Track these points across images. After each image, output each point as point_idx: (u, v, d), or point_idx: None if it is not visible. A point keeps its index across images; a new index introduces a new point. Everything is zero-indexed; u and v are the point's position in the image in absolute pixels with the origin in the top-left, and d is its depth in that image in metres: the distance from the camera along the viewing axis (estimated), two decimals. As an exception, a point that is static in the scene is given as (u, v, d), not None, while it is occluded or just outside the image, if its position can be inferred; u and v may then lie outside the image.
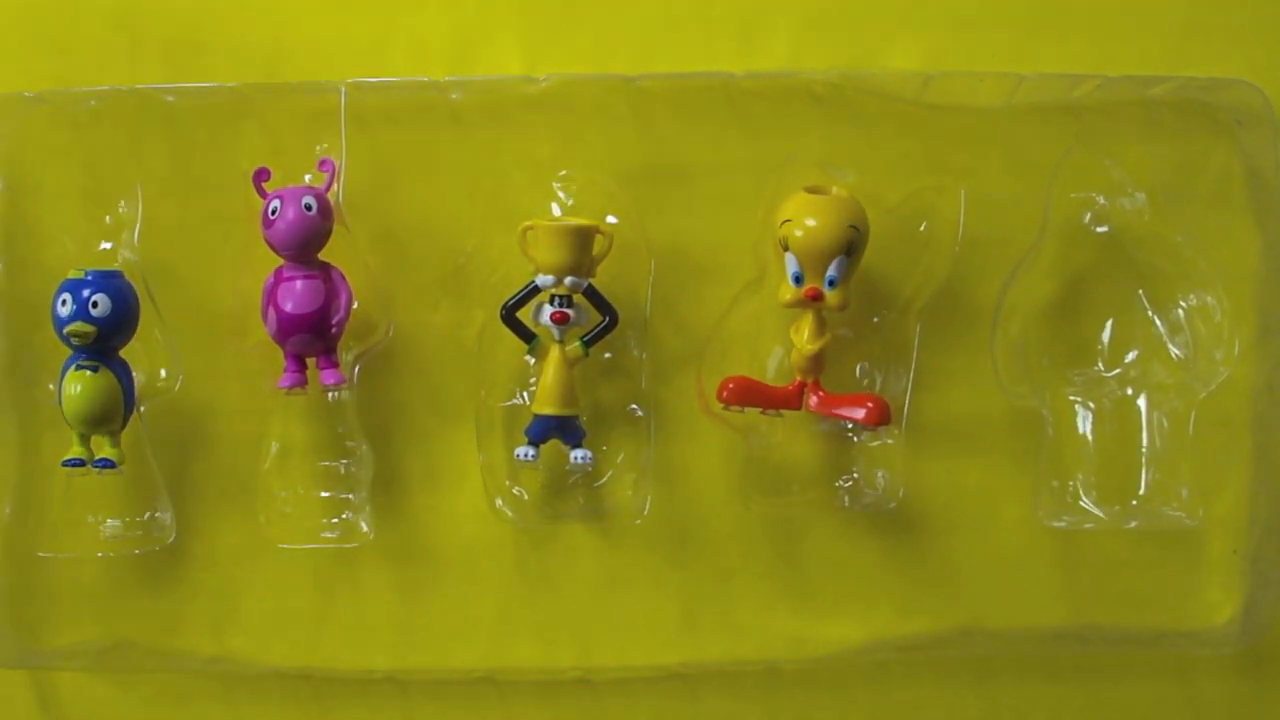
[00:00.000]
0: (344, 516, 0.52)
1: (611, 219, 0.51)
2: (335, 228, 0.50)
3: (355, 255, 0.51)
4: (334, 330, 0.50)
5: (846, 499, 0.53)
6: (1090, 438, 0.53)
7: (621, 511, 0.53)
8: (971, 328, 0.53)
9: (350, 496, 0.52)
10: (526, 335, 0.50)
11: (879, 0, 0.53)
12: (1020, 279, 0.52)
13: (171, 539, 0.53)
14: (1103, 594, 0.54)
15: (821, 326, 0.50)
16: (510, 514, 0.52)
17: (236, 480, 0.53)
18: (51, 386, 0.50)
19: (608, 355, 0.52)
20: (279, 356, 0.50)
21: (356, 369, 0.52)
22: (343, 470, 0.52)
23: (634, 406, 0.52)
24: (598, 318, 0.51)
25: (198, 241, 0.52)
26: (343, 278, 0.50)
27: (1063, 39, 0.53)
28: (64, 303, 0.47)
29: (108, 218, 0.52)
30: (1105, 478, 0.52)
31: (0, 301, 0.52)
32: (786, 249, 0.49)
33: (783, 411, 0.51)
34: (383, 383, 0.53)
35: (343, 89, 0.51)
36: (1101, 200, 0.52)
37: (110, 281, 0.48)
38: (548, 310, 0.50)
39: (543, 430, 0.50)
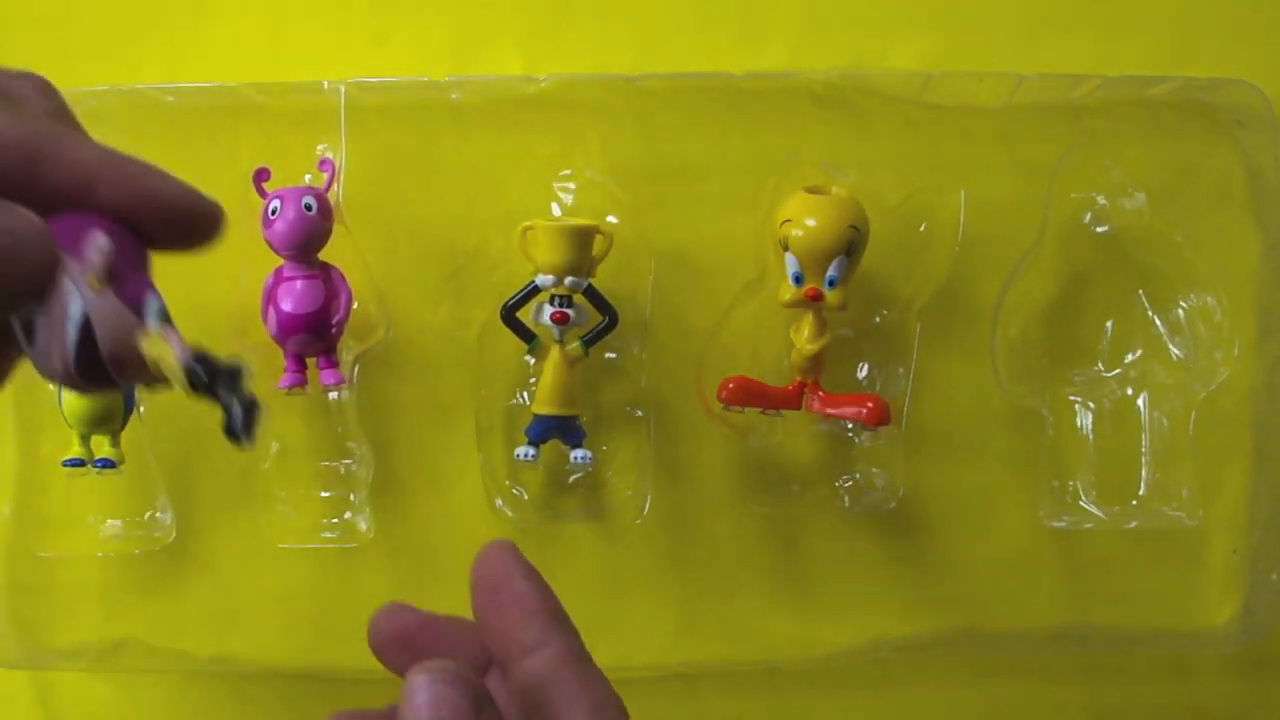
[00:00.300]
0: (344, 516, 0.52)
1: (611, 219, 0.51)
2: (335, 228, 0.50)
3: (355, 255, 0.51)
4: (334, 330, 0.50)
5: (846, 499, 0.53)
6: (1090, 438, 0.53)
7: (621, 511, 0.53)
8: (971, 328, 0.53)
9: (350, 496, 0.52)
10: (526, 335, 0.50)
11: (879, 0, 0.53)
12: (1020, 279, 0.52)
13: (171, 539, 0.53)
14: (1103, 594, 0.54)
15: (821, 326, 0.50)
16: (510, 514, 0.52)
17: (236, 480, 0.53)
18: (52, 387, 0.50)
19: (611, 355, 0.52)
20: (279, 356, 0.50)
21: (356, 369, 0.52)
22: (343, 470, 0.52)
23: (634, 407, 0.52)
24: (598, 318, 0.51)
25: (198, 241, 0.52)
26: (343, 278, 0.50)
27: (1063, 39, 0.53)
28: (64, 303, 0.47)
29: (108, 218, 0.52)
30: (1105, 478, 0.52)
31: (0, 301, 0.52)
32: (786, 249, 0.49)
33: (783, 411, 0.51)
34: (383, 383, 0.53)
35: (343, 89, 0.51)
36: (1101, 200, 0.52)
37: (110, 281, 0.48)
38: (548, 310, 0.50)
39: (543, 430, 0.50)
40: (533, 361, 0.51)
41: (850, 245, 0.48)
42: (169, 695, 0.55)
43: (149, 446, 0.52)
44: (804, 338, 0.50)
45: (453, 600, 0.56)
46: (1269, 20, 0.54)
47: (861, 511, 0.53)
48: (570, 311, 0.49)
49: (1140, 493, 0.52)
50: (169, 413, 0.52)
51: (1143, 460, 0.53)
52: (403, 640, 0.34)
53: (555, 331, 0.50)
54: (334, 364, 0.50)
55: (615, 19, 0.53)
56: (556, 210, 0.52)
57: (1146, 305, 0.53)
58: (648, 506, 0.52)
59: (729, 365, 0.52)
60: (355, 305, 0.51)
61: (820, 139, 0.52)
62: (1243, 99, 0.52)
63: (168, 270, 0.52)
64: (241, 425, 0.27)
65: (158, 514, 0.52)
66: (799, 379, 0.51)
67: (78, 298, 0.27)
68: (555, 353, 0.50)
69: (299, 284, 0.49)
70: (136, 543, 0.52)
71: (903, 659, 0.54)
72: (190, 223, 0.32)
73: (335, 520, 0.52)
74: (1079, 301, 0.53)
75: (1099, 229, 0.52)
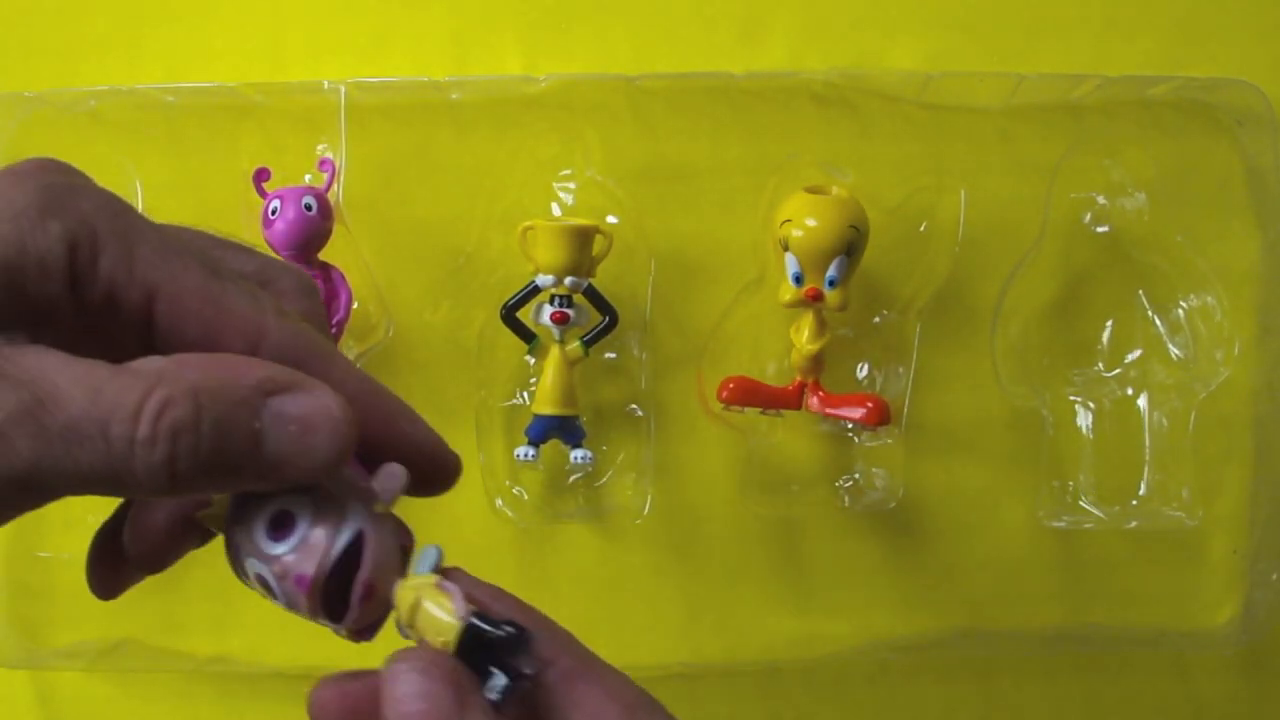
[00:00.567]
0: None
1: (611, 219, 0.51)
2: (335, 228, 0.50)
3: (355, 255, 0.51)
4: (334, 330, 0.50)
5: (846, 499, 0.53)
6: (1090, 438, 0.53)
7: (621, 511, 0.53)
8: (971, 328, 0.53)
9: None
10: (526, 335, 0.50)
11: (879, 0, 0.53)
12: (1020, 279, 0.52)
13: (171, 539, 0.52)
14: (1103, 594, 0.54)
15: (821, 326, 0.50)
16: (510, 514, 0.52)
17: (236, 480, 0.53)
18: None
19: (611, 355, 0.52)
20: (279, 356, 0.50)
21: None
22: (343, 470, 0.52)
23: (634, 406, 0.52)
24: (598, 318, 0.51)
25: (198, 241, 0.52)
26: (343, 278, 0.50)
27: (1063, 39, 0.53)
28: (64, 303, 0.47)
29: (108, 218, 0.52)
30: (1105, 478, 0.52)
31: (0, 301, 0.52)
32: (786, 249, 0.49)
33: (783, 411, 0.51)
34: (383, 383, 0.53)
35: (343, 89, 0.51)
36: (1101, 200, 0.52)
37: (110, 281, 0.48)
38: (548, 310, 0.50)
39: (543, 430, 0.50)
40: (533, 361, 0.51)
41: (850, 245, 0.48)
42: (169, 695, 0.55)
43: (149, 446, 0.52)
44: (804, 338, 0.50)
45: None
46: (1269, 20, 0.54)
47: (861, 511, 0.53)
48: (570, 311, 0.49)
49: (1140, 493, 0.52)
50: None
51: (1143, 460, 0.53)
52: (358, 715, 0.28)
53: (555, 331, 0.50)
54: (334, 364, 0.50)
55: (615, 19, 0.53)
56: (556, 210, 0.52)
57: (1146, 305, 0.53)
58: (648, 506, 0.52)
59: (729, 365, 0.52)
60: (355, 305, 0.51)
61: (820, 139, 0.52)
62: (1243, 99, 0.52)
63: (168, 270, 0.52)
64: (500, 693, 0.25)
65: (158, 514, 0.52)
66: (799, 379, 0.51)
67: (356, 517, 0.25)
68: (555, 353, 0.50)
69: (299, 284, 0.49)
70: (136, 543, 0.52)
71: (903, 659, 0.54)
72: (434, 474, 0.29)
73: (335, 520, 0.52)
74: (1079, 301, 0.53)
75: (1099, 229, 0.52)
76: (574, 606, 0.53)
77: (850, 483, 0.53)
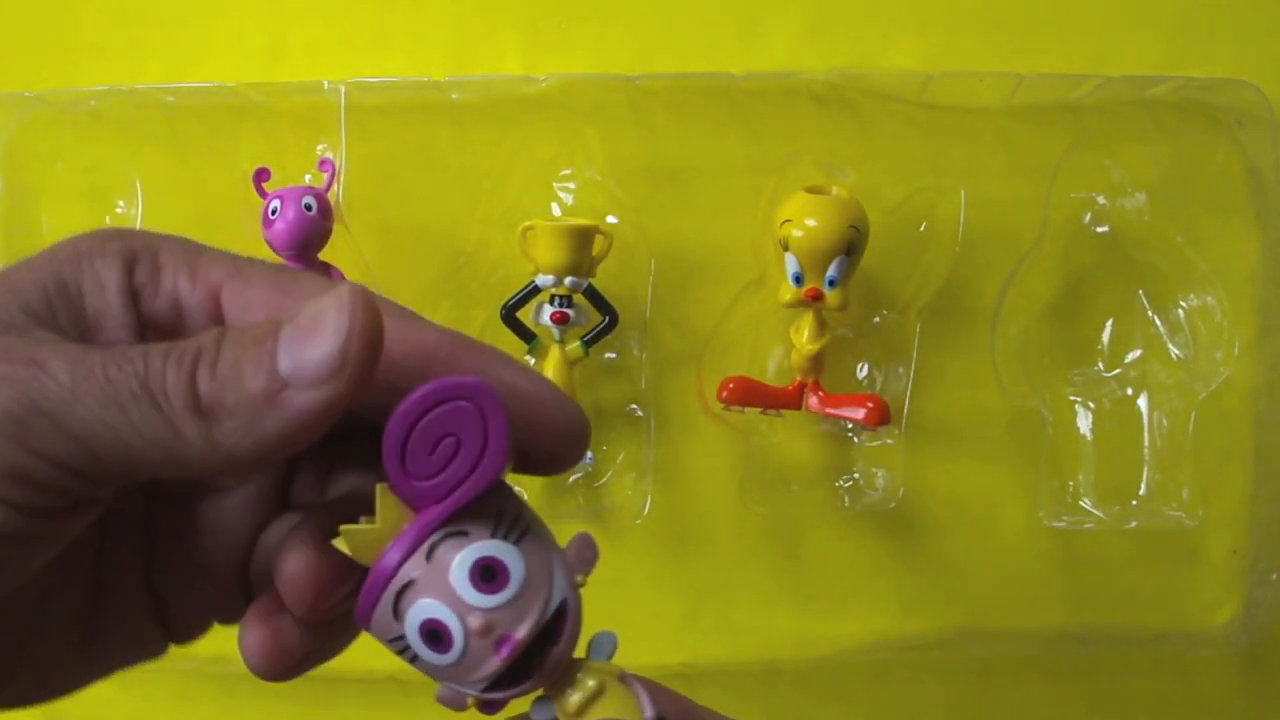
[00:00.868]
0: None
1: (611, 219, 0.51)
2: (335, 228, 0.50)
3: (355, 255, 0.51)
4: (334, 330, 0.50)
5: (846, 499, 0.53)
6: (1090, 438, 0.53)
7: (621, 511, 0.53)
8: (971, 328, 0.53)
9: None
10: (526, 335, 0.50)
11: (879, 0, 0.53)
12: (1020, 279, 0.52)
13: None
14: (1103, 594, 0.54)
15: (821, 326, 0.50)
16: (510, 514, 0.52)
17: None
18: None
19: (611, 355, 0.52)
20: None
21: (356, 369, 0.52)
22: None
23: (634, 406, 0.52)
24: (598, 318, 0.51)
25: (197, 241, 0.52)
26: (343, 278, 0.50)
27: (1063, 39, 0.53)
28: (64, 303, 0.47)
29: (108, 218, 0.52)
30: (1105, 478, 0.52)
31: (0, 301, 0.52)
32: (786, 249, 0.49)
33: (783, 411, 0.51)
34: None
35: (343, 89, 0.51)
36: (1101, 200, 0.52)
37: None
38: (548, 310, 0.50)
39: (543, 430, 0.50)
40: (533, 362, 0.51)
41: (850, 245, 0.48)
42: (169, 695, 0.55)
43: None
44: (804, 338, 0.50)
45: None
46: (1269, 20, 0.54)
47: (861, 511, 0.53)
48: (570, 311, 0.49)
49: (1140, 493, 0.52)
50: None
51: (1143, 460, 0.53)
52: None
53: (555, 331, 0.50)
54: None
55: (615, 19, 0.53)
56: (556, 210, 0.52)
57: (1146, 305, 0.53)
58: (648, 506, 0.52)
59: (729, 365, 0.52)
60: (355, 305, 0.51)
61: (820, 139, 0.52)
62: (1243, 99, 0.52)
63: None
64: None
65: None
66: (799, 379, 0.51)
67: (562, 585, 0.24)
68: (555, 353, 0.50)
69: (299, 284, 0.49)
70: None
71: (903, 659, 0.54)
72: (571, 448, 0.27)
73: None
74: (1079, 301, 0.53)
75: (1099, 229, 0.52)
76: (574, 606, 0.54)
77: (850, 483, 0.53)
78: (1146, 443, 0.53)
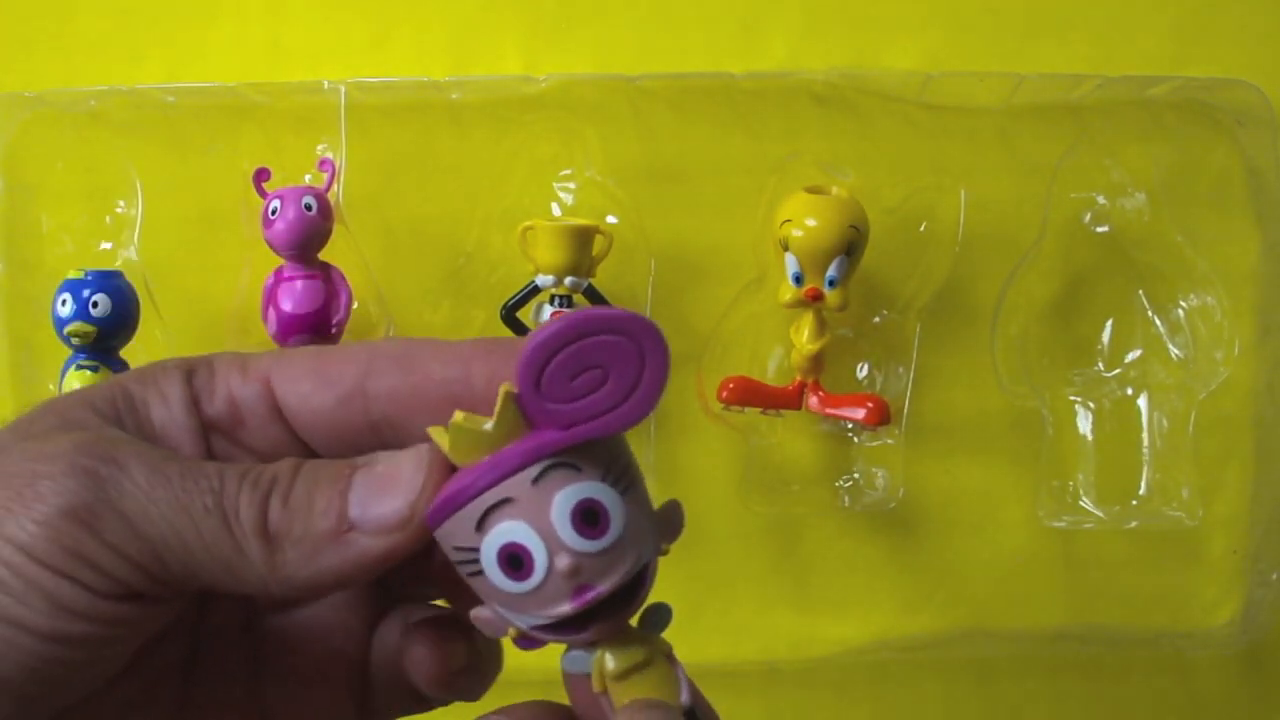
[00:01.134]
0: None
1: (611, 219, 0.51)
2: (335, 228, 0.50)
3: (355, 255, 0.51)
4: (334, 330, 0.50)
5: (846, 499, 0.53)
6: (1090, 438, 0.53)
7: (621, 511, 0.52)
8: (971, 328, 0.53)
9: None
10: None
11: (879, 0, 0.53)
12: (1020, 279, 0.52)
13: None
14: (1103, 594, 0.54)
15: (821, 326, 0.50)
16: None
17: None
18: (51, 386, 0.50)
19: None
20: (279, 356, 0.50)
21: (356, 369, 0.52)
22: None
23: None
24: (598, 318, 0.51)
25: (198, 241, 0.52)
26: (343, 278, 0.50)
27: (1063, 39, 0.53)
28: (64, 303, 0.47)
29: (108, 218, 0.52)
30: (1105, 478, 0.52)
31: (1, 301, 0.52)
32: (786, 249, 0.49)
33: (783, 411, 0.51)
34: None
35: (343, 89, 0.51)
36: (1101, 200, 0.52)
37: (110, 281, 0.48)
38: (548, 310, 0.50)
39: (543, 430, 0.50)
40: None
41: (850, 245, 0.48)
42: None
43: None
44: (804, 338, 0.50)
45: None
46: (1269, 20, 0.54)
47: (861, 511, 0.53)
48: (570, 311, 0.49)
49: (1140, 493, 0.52)
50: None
51: (1143, 460, 0.53)
52: None
53: (555, 331, 0.50)
54: (334, 364, 0.50)
55: (615, 19, 0.53)
56: (556, 210, 0.52)
57: (1146, 305, 0.53)
58: (648, 506, 0.52)
59: (729, 365, 0.52)
60: (355, 305, 0.51)
61: (820, 139, 0.52)
62: (1243, 99, 0.52)
63: (168, 270, 0.53)
64: None
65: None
66: (799, 379, 0.51)
67: (649, 548, 0.24)
68: (555, 353, 0.50)
69: (299, 284, 0.49)
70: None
71: (903, 659, 0.54)
72: None
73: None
74: (1079, 301, 0.53)
75: (1099, 229, 0.52)
76: (574, 606, 0.54)
77: (850, 483, 0.53)
78: (1146, 443, 0.53)
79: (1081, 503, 0.52)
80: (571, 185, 0.52)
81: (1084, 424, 0.53)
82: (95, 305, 0.47)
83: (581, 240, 0.49)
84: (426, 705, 0.28)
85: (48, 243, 0.52)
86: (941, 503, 0.54)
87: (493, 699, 0.28)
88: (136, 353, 0.50)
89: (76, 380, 0.48)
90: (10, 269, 0.52)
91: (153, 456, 0.24)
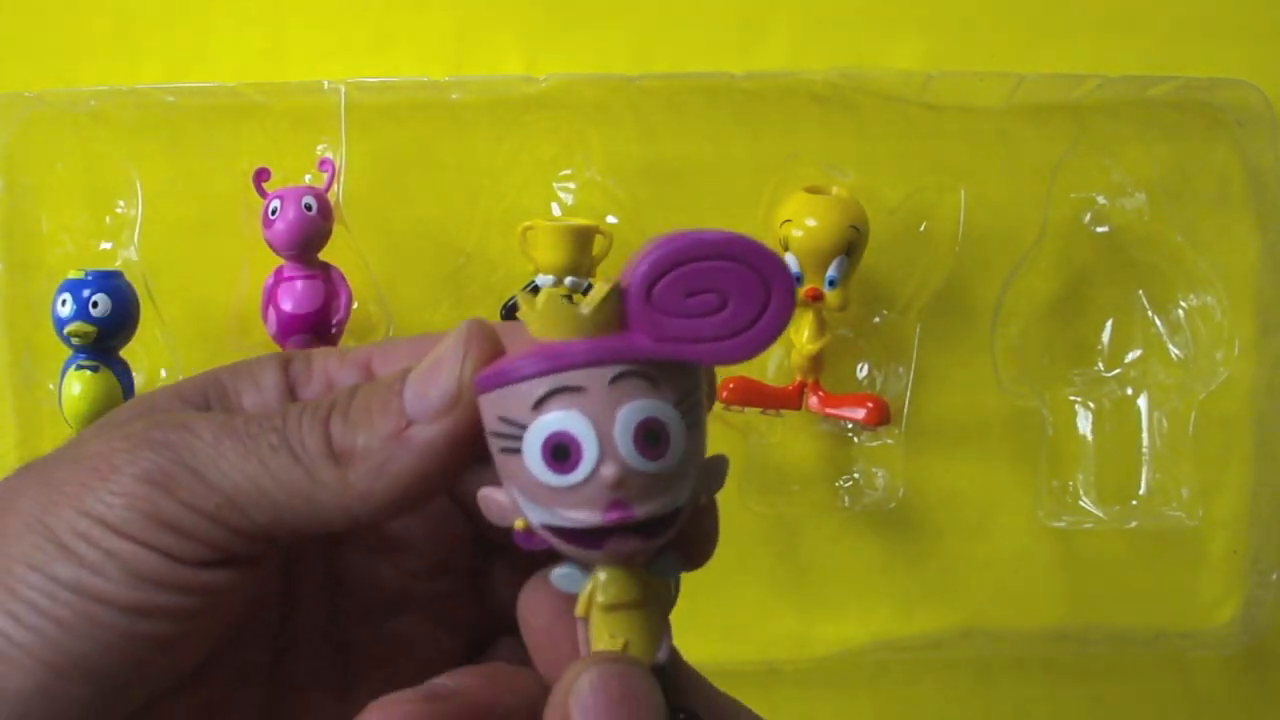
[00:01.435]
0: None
1: (611, 219, 0.51)
2: (335, 228, 0.50)
3: (355, 255, 0.51)
4: (334, 330, 0.50)
5: (846, 499, 0.53)
6: (1090, 438, 0.53)
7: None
8: (971, 328, 0.53)
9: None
10: (526, 335, 0.50)
11: (879, 0, 0.53)
12: (1020, 279, 0.52)
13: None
14: (1103, 594, 0.54)
15: (821, 326, 0.50)
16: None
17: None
18: (51, 386, 0.50)
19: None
20: (279, 356, 0.50)
21: (356, 369, 0.52)
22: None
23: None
24: (598, 318, 0.50)
25: (198, 241, 0.52)
26: (343, 278, 0.50)
27: (1063, 39, 0.53)
28: (64, 303, 0.47)
29: (108, 218, 0.52)
30: (1105, 478, 0.52)
31: (0, 301, 0.52)
32: (786, 249, 0.49)
33: (783, 411, 0.51)
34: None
35: (343, 89, 0.51)
36: (1101, 200, 0.52)
37: (110, 281, 0.48)
38: (548, 310, 0.49)
39: (543, 430, 0.50)
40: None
41: (850, 245, 0.48)
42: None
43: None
44: (804, 338, 0.50)
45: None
46: (1269, 20, 0.54)
47: (861, 511, 0.53)
48: (570, 311, 0.49)
49: (1140, 493, 0.52)
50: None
51: (1143, 460, 0.53)
52: None
53: (555, 331, 0.50)
54: (334, 364, 0.50)
55: (615, 19, 0.53)
56: (556, 210, 0.52)
57: (1146, 305, 0.53)
58: (648, 506, 0.52)
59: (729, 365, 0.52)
60: (355, 305, 0.51)
61: (820, 139, 0.52)
62: (1243, 99, 0.52)
63: (168, 270, 0.53)
64: None
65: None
66: (799, 379, 0.51)
67: (690, 494, 0.22)
68: (555, 353, 0.50)
69: (299, 284, 0.49)
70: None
71: (903, 659, 0.54)
72: None
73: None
74: (1079, 301, 0.53)
75: (1099, 229, 0.52)
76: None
77: (850, 483, 0.53)
78: (1146, 443, 0.53)
79: (1081, 503, 0.52)
80: (571, 185, 0.52)
81: (1084, 424, 0.53)
82: (95, 305, 0.47)
83: (581, 240, 0.49)
84: None
85: (48, 243, 0.52)
86: (941, 503, 0.54)
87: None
88: (136, 353, 0.50)
89: (76, 380, 0.48)
90: (10, 269, 0.52)
91: (220, 417, 0.24)
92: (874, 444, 0.52)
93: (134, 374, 0.50)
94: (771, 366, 0.52)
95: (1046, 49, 0.53)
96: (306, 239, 0.49)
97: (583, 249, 0.49)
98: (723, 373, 0.50)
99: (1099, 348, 0.53)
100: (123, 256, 0.52)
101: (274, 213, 0.48)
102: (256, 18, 0.53)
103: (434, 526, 0.28)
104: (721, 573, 0.54)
